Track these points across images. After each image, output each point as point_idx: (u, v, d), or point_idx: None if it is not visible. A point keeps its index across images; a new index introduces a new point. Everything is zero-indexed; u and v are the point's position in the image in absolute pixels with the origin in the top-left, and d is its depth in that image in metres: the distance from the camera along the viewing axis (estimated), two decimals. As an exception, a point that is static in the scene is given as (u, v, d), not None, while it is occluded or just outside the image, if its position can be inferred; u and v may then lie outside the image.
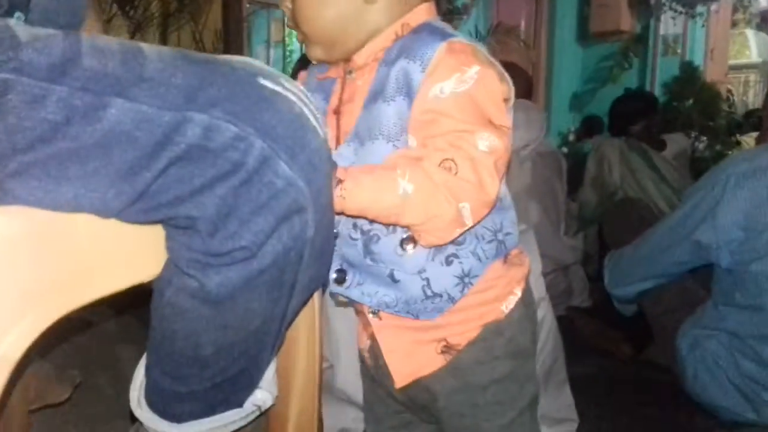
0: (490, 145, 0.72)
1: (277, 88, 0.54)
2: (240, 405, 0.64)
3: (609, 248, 2.02)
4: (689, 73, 4.27)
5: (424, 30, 0.78)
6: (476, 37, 5.01)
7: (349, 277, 0.81)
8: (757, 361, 1.45)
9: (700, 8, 4.96)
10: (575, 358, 1.87)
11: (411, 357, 0.83)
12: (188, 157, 0.49)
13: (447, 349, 0.82)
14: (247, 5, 4.80)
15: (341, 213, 0.71)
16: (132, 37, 3.94)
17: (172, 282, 0.54)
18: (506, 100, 0.77)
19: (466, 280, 0.80)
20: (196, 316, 0.54)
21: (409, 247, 0.77)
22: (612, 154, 2.67)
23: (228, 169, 0.50)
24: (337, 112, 0.82)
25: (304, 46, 0.84)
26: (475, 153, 0.71)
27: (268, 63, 5.38)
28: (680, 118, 3.98)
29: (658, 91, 5.13)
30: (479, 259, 0.80)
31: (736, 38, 6.81)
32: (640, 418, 1.60)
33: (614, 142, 2.71)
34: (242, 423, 0.65)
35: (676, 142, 2.92)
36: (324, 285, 0.78)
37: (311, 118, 0.56)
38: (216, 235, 0.51)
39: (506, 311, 0.84)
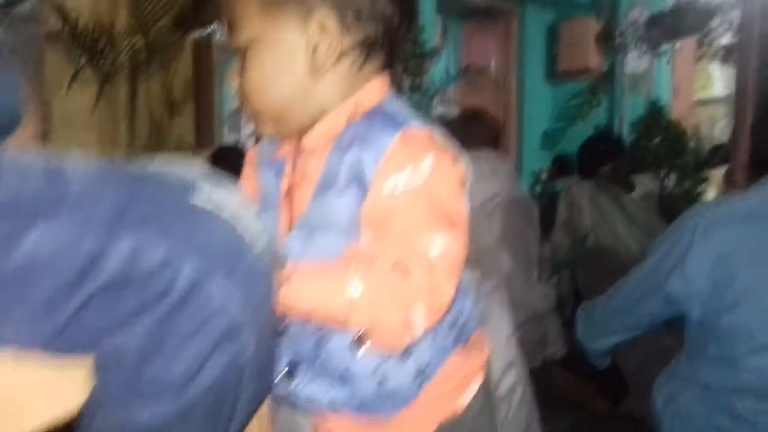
0: (443, 249, 0.69)
1: (210, 204, 0.52)
2: None
3: (582, 295, 1.99)
4: (654, 111, 4.34)
5: (378, 115, 0.75)
6: (446, 79, 5.06)
7: (300, 373, 0.77)
8: (732, 416, 1.42)
9: (665, 46, 5.07)
10: (551, 413, 1.84)
11: None
12: (113, 285, 0.46)
13: None
14: (218, 55, 4.81)
15: (287, 312, 0.68)
16: (101, 87, 3.92)
17: (96, 417, 0.50)
18: (463, 183, 0.75)
19: (425, 373, 0.76)
20: None
21: (362, 347, 0.74)
22: (581, 198, 2.69)
23: (156, 295, 0.47)
24: (288, 194, 0.79)
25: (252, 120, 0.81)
26: (430, 256, 0.68)
27: (240, 112, 5.39)
28: (648, 156, 4.03)
29: (627, 129, 5.20)
30: (437, 351, 0.77)
31: (701, 73, 6.96)
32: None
33: (583, 185, 2.72)
34: None
35: (644, 183, 2.95)
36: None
37: (249, 230, 0.54)
38: (143, 369, 0.47)
39: (464, 405, 0.81)
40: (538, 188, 5.15)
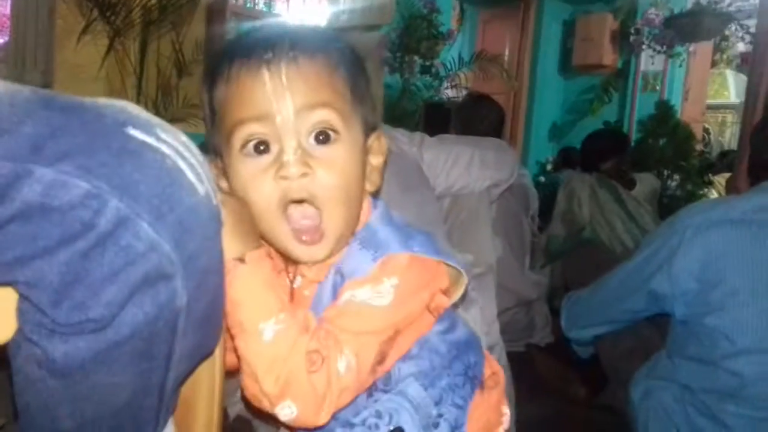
0: (348, 366, 0.66)
1: (149, 140, 0.50)
2: None
3: (571, 286, 2.01)
4: (664, 111, 4.32)
5: (365, 240, 0.73)
6: (459, 63, 5.04)
7: None
8: (709, 416, 1.43)
9: (678, 49, 5.04)
10: (530, 397, 1.86)
11: None
12: (27, 215, 0.44)
13: None
14: (231, 18, 4.78)
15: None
16: (111, 42, 3.90)
17: (21, 348, 0.50)
18: (424, 297, 0.73)
19: (457, 427, 0.76)
20: (46, 387, 0.50)
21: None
22: (582, 190, 2.69)
23: (76, 231, 0.45)
24: None
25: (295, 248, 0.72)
26: (334, 371, 0.66)
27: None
28: (653, 155, 4.02)
29: (635, 127, 5.19)
30: (460, 407, 0.77)
31: (716, 78, 6.93)
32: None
33: (584, 178, 2.72)
34: None
35: (646, 182, 2.94)
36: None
37: (187, 172, 0.51)
38: (61, 305, 0.46)
39: None
40: (542, 178, 5.16)
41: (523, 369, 1.99)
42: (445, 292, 0.77)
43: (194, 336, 0.54)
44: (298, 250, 0.70)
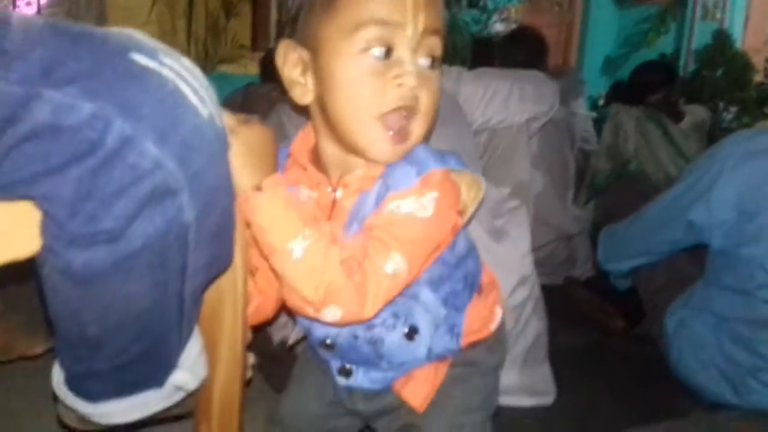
0: (396, 270, 0.71)
1: (151, 64, 0.52)
2: (159, 386, 0.64)
3: (612, 220, 2.00)
4: (722, 41, 4.11)
5: (405, 158, 0.77)
6: (508, -5, 4.90)
7: (353, 372, 0.85)
8: (742, 345, 1.44)
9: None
10: (568, 329, 1.89)
11: (425, 383, 0.85)
12: (41, 135, 0.48)
13: (453, 364, 0.86)
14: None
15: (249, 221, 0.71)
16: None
17: (47, 260, 0.54)
18: (455, 224, 0.79)
19: (455, 330, 0.83)
20: (70, 296, 0.54)
21: (416, 335, 0.80)
22: (628, 124, 2.62)
23: (85, 149, 0.48)
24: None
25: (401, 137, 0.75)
26: (380, 271, 0.71)
27: (266, 58, 5.35)
28: (709, 87, 3.86)
29: (692, 57, 4.97)
30: (457, 309, 0.84)
31: (783, 5, 6.51)
32: (621, 393, 1.61)
33: (631, 112, 2.66)
34: (166, 403, 0.66)
35: (696, 114, 2.85)
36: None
37: (190, 96, 0.54)
38: (75, 217, 0.50)
39: (493, 329, 0.89)
40: (594, 114, 5.03)
41: (561, 301, 2.02)
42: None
43: (207, 250, 0.58)
44: (383, 147, 0.74)
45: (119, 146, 0.49)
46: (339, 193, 0.79)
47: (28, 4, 5.22)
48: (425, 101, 0.75)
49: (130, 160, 0.49)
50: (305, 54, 0.77)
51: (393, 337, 0.79)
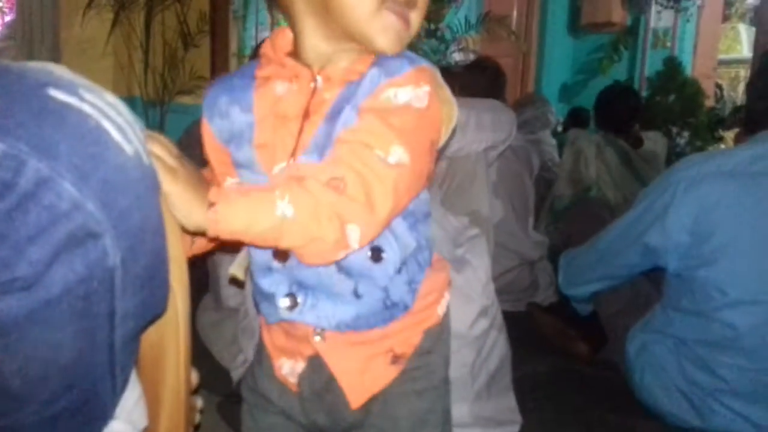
0: (400, 160, 0.69)
1: (71, 100, 0.50)
2: None
3: (572, 245, 2.02)
4: (672, 68, 4.25)
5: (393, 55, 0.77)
6: (466, 26, 4.98)
7: (300, 301, 0.79)
8: (704, 368, 1.45)
9: (686, 3, 4.94)
10: (531, 356, 1.89)
11: (365, 373, 0.81)
12: None
13: (396, 359, 0.82)
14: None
15: (216, 237, 0.68)
16: (116, 16, 3.91)
17: None
18: (440, 127, 0.78)
19: (413, 286, 0.81)
20: None
21: (381, 259, 0.76)
22: (588, 149, 2.67)
23: None
24: (305, 117, 0.77)
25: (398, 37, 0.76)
26: (376, 166, 0.68)
27: (257, 46, 5.36)
28: (661, 112, 3.97)
29: (645, 84, 5.12)
30: (420, 266, 0.82)
31: (728, 32, 6.77)
32: (585, 419, 1.61)
33: (591, 137, 2.71)
34: None
35: (653, 140, 2.92)
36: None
37: (113, 132, 0.51)
38: None
39: (441, 314, 0.86)
40: (553, 140, 5.13)
41: (524, 328, 2.02)
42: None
43: (137, 294, 0.55)
44: (391, 33, 0.74)
45: (34, 187, 0.46)
46: (320, 83, 0.77)
47: (-19, 37, 5.14)
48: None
49: (46, 202, 0.46)
50: None
51: (356, 254, 0.74)
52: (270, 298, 0.81)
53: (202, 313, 1.86)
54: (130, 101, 4.21)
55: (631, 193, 2.59)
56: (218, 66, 4.85)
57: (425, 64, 0.76)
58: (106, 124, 0.51)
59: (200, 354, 1.60)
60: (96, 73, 4.30)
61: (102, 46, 3.94)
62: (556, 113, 6.03)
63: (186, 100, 4.09)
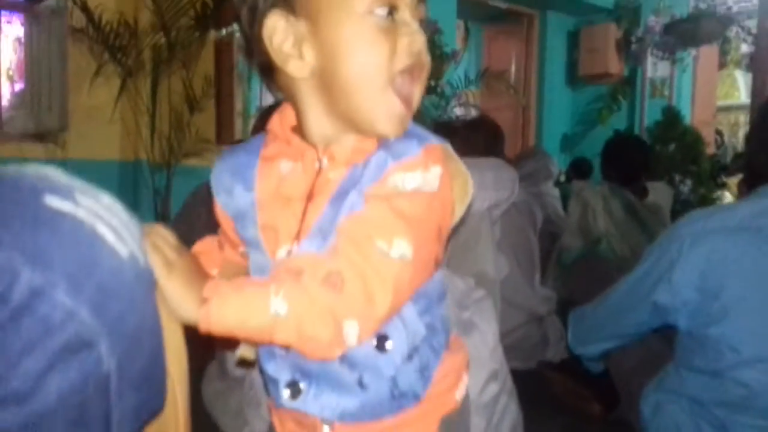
0: (403, 254, 0.67)
1: (65, 206, 0.50)
2: None
3: (579, 300, 2.00)
4: (671, 117, 4.30)
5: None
6: (465, 82, 5.07)
7: (304, 389, 0.76)
8: (721, 430, 1.41)
9: (682, 54, 5.03)
10: (543, 416, 1.85)
11: None
12: None
13: None
14: (238, 54, 4.86)
15: (208, 333, 0.66)
16: (123, 83, 4.00)
17: None
18: (452, 205, 0.78)
19: (426, 374, 0.77)
20: None
21: (388, 343, 0.73)
22: (595, 201, 2.66)
23: None
24: (309, 198, 0.76)
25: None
26: (377, 261, 0.67)
27: (260, 106, 5.45)
28: (663, 162, 4.00)
29: (645, 134, 5.17)
30: (435, 352, 0.79)
31: (725, 79, 6.87)
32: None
33: (596, 189, 2.70)
34: None
35: (658, 190, 2.92)
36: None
37: (108, 236, 0.51)
38: None
39: (459, 399, 0.83)
40: (556, 190, 5.15)
41: (536, 387, 1.98)
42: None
43: (134, 396, 0.54)
44: (394, 117, 0.73)
45: (28, 299, 0.46)
46: (324, 163, 0.75)
47: (-8, 105, 5.25)
48: (426, 63, 0.76)
49: (40, 313, 0.46)
50: (301, 24, 0.73)
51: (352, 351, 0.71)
52: (274, 383, 0.79)
53: (208, 383, 1.83)
54: (137, 165, 4.28)
55: (638, 244, 2.57)
56: (224, 127, 4.92)
57: (434, 141, 0.75)
58: (101, 228, 0.51)
59: (205, 425, 1.58)
60: (104, 138, 4.40)
61: (109, 112, 4.02)
62: (558, 164, 6.08)
63: (192, 162, 4.14)
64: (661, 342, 1.69)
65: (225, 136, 4.74)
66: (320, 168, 0.76)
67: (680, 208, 3.49)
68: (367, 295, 0.66)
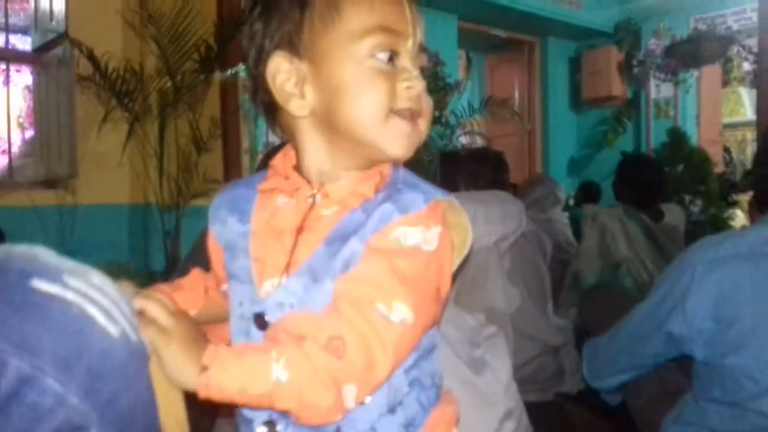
0: (403, 319, 0.68)
1: (53, 289, 0.50)
2: None
3: (590, 333, 1.97)
4: (677, 138, 4.29)
5: (404, 183, 0.78)
6: (469, 111, 5.10)
7: (280, 430, 0.75)
8: (742, 460, 1.38)
9: (684, 75, 5.05)
10: (562, 451, 1.82)
11: None
12: None
13: None
14: (243, 94, 4.92)
15: (207, 400, 0.66)
16: (131, 128, 4.05)
17: None
18: (452, 261, 0.78)
19: (411, 429, 0.76)
20: None
21: (367, 398, 0.72)
22: (613, 225, 2.61)
23: None
24: (299, 232, 0.77)
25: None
26: (378, 325, 0.67)
27: (267, 142, 5.49)
28: (671, 183, 3.98)
29: (652, 155, 5.17)
30: (422, 407, 0.78)
31: (730, 96, 6.88)
32: None
33: (612, 212, 2.65)
34: None
35: (674, 213, 2.87)
36: None
37: (98, 317, 0.51)
38: None
39: None
40: (566, 214, 5.14)
41: (553, 420, 1.95)
42: None
43: None
44: (400, 140, 0.75)
45: (17, 387, 0.46)
46: (318, 199, 0.77)
47: (3, 152, 5.32)
48: (427, 105, 0.79)
49: (29, 401, 0.46)
50: (303, 65, 0.77)
51: None
52: (248, 423, 0.78)
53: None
54: (147, 208, 4.31)
55: (657, 268, 2.52)
56: (231, 166, 4.96)
57: (440, 196, 0.76)
58: (91, 310, 0.51)
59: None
60: (113, 183, 4.44)
61: (118, 156, 4.06)
62: (566, 187, 6.08)
63: (201, 202, 4.16)
64: (678, 372, 1.66)
65: (232, 175, 4.77)
66: (313, 203, 0.78)
67: (691, 228, 3.45)
68: (368, 361, 0.66)
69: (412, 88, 0.76)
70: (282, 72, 0.77)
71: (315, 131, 0.78)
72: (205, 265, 0.92)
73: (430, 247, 0.72)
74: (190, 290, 0.89)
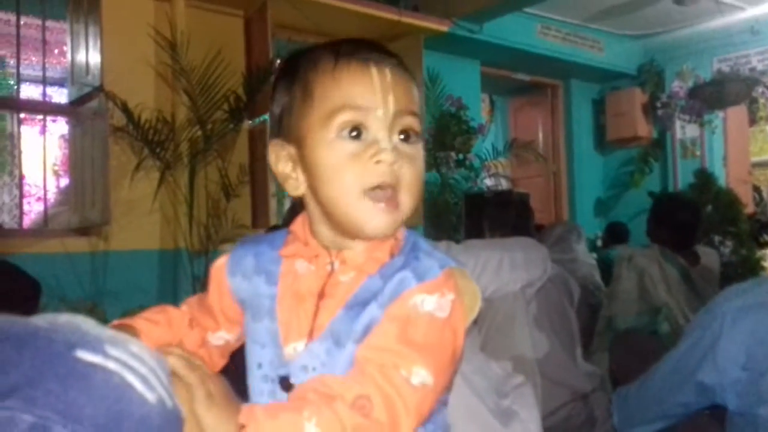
0: (423, 382, 0.70)
1: (96, 359, 0.53)
2: None
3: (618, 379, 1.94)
4: (704, 179, 4.26)
5: (420, 251, 0.80)
6: (494, 154, 5.14)
7: None
8: None
9: (710, 116, 5.03)
10: (595, 503, 1.78)
11: None
12: None
13: None
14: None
15: None
16: (162, 176, 4.15)
17: None
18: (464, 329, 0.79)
19: None
20: None
21: None
22: (651, 268, 2.55)
23: None
24: (320, 297, 0.80)
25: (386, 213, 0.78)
26: (401, 388, 0.69)
27: (289, 211, 5.56)
28: (701, 224, 3.94)
29: (680, 195, 5.13)
30: None
31: (758, 135, 6.82)
32: None
33: (649, 254, 2.59)
34: None
35: (709, 255, 2.82)
36: None
37: (136, 384, 0.54)
38: None
39: None
40: (594, 255, 5.10)
41: (586, 470, 1.91)
42: None
43: None
44: (377, 219, 0.77)
45: None
46: (336, 266, 0.80)
47: (39, 199, 5.47)
48: (407, 175, 0.78)
49: None
50: (292, 149, 0.81)
51: None
52: None
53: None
54: (177, 253, 4.38)
55: (694, 313, 2.44)
56: (259, 211, 5.03)
57: (453, 265, 0.78)
58: (130, 378, 0.54)
59: None
60: (144, 229, 4.53)
61: (149, 203, 4.15)
62: (593, 228, 6.04)
63: (229, 248, 4.22)
64: (710, 421, 1.62)
65: (260, 220, 4.84)
66: (332, 270, 0.81)
67: (723, 269, 3.39)
68: (392, 421, 0.68)
69: (381, 162, 0.76)
70: (281, 157, 0.83)
71: (314, 206, 0.83)
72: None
73: (444, 313, 0.74)
74: (170, 326, 0.90)
